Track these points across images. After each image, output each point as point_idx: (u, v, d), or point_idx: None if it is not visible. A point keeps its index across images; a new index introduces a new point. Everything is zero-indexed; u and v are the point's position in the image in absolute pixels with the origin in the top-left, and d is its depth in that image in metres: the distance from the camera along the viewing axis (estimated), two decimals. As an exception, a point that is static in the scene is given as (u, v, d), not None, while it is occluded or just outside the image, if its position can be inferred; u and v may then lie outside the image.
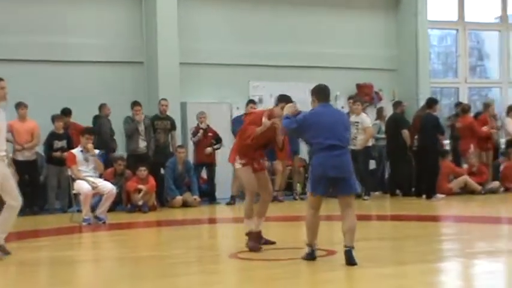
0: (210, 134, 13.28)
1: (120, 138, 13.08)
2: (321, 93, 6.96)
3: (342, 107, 15.24)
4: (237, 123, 13.20)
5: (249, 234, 7.55)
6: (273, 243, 7.68)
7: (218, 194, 13.33)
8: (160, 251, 7.94)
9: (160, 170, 12.80)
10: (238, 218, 11.32)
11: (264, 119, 7.35)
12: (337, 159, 6.47)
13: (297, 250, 7.51)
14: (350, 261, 6.36)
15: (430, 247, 7.38)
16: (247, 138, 7.39)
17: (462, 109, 14.40)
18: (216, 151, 13.28)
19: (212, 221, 11.64)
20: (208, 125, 13.29)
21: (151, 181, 12.10)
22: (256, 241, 7.47)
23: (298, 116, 6.76)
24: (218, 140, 13.31)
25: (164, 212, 12.08)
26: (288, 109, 6.88)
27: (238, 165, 7.56)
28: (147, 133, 12.62)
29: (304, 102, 13.86)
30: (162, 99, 13.02)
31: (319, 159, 6.51)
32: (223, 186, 13.39)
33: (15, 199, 7.13)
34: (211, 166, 13.29)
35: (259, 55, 14.73)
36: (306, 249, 6.67)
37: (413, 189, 13.44)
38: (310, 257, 6.64)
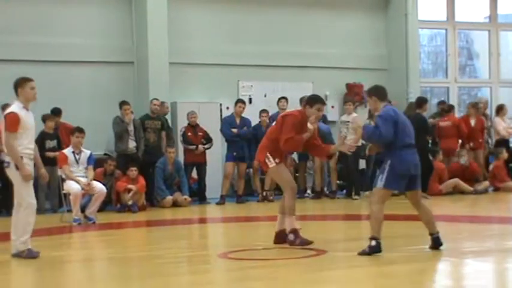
0: (200, 133, 13.26)
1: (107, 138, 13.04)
2: (383, 93, 7.20)
3: (332, 107, 15.29)
4: (226, 124, 13.23)
5: (293, 231, 7.43)
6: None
7: (208, 194, 13.32)
8: (150, 251, 7.92)
9: (150, 170, 12.77)
10: (228, 218, 11.33)
11: (310, 125, 7.49)
12: (416, 157, 6.94)
13: (288, 250, 7.51)
14: (440, 243, 6.98)
15: (420, 247, 7.39)
16: (286, 140, 7.37)
17: (442, 109, 14.45)
18: (206, 151, 13.27)
19: (202, 220, 11.63)
20: (198, 125, 13.28)
21: (141, 181, 12.07)
22: (301, 236, 7.40)
23: (382, 117, 6.87)
24: (208, 139, 13.30)
25: (154, 212, 12.05)
26: (356, 121, 7.49)
27: (272, 164, 7.49)
28: (137, 133, 12.59)
29: (294, 101, 13.97)
30: (154, 99, 12.99)
31: (403, 157, 6.83)
32: (214, 186, 13.38)
33: (33, 198, 7.21)
34: (201, 166, 13.27)
35: (249, 55, 14.72)
36: (372, 243, 6.79)
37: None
38: (377, 249, 6.80)
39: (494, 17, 17.63)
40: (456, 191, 13.52)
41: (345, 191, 13.67)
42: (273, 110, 13.63)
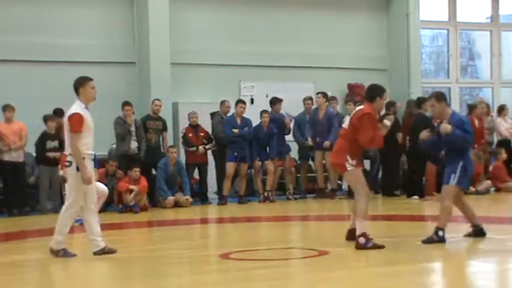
0: (201, 134, 13.27)
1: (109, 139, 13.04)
2: (446, 98, 7.78)
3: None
4: (227, 124, 13.22)
5: (364, 235, 7.22)
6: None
7: (210, 194, 13.32)
8: (151, 251, 7.92)
9: (151, 170, 12.78)
10: (230, 218, 11.34)
11: (386, 121, 7.60)
12: None
13: (290, 250, 7.52)
14: (484, 233, 7.74)
15: (422, 247, 7.39)
16: (371, 139, 7.33)
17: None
18: (208, 151, 13.28)
19: (204, 221, 11.63)
20: (199, 125, 13.29)
21: (143, 181, 12.08)
22: (371, 240, 7.23)
23: (466, 123, 7.67)
24: (209, 140, 13.31)
25: (156, 212, 12.06)
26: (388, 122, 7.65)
27: (350, 167, 7.36)
28: (139, 133, 12.60)
29: (295, 102, 13.99)
30: (156, 99, 13.00)
31: (470, 160, 7.77)
32: (215, 187, 13.39)
33: (94, 202, 7.30)
34: (203, 166, 13.28)
35: (251, 55, 14.73)
36: (440, 233, 7.41)
37: (397, 191, 13.47)
38: (443, 239, 7.41)
39: (496, 17, 17.63)
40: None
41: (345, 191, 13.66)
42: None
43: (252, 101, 14.62)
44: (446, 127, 7.58)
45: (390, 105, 13.79)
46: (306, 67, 15.21)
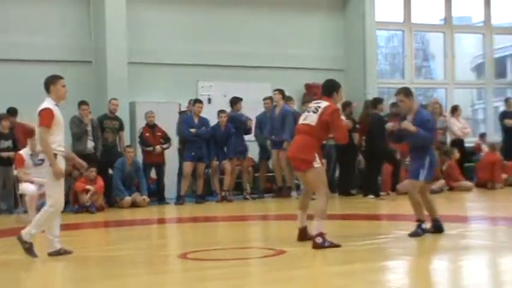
0: (158, 133, 13.23)
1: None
2: (413, 93, 8.13)
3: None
4: (185, 123, 13.21)
5: (321, 235, 7.20)
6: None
7: (167, 194, 13.28)
8: (108, 251, 7.86)
9: (108, 170, 12.69)
10: (187, 218, 11.32)
11: (343, 116, 7.93)
12: None
13: (247, 250, 7.55)
14: (442, 229, 8.02)
15: (377, 246, 7.49)
16: (345, 135, 7.61)
17: (392, 112, 14.62)
18: (165, 150, 13.24)
19: (161, 221, 11.58)
20: (156, 125, 13.24)
21: (100, 181, 11.99)
22: (327, 239, 7.24)
23: (430, 122, 7.98)
24: (167, 139, 13.27)
25: (112, 212, 11.98)
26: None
27: (317, 164, 7.36)
28: (95, 133, 12.49)
29: (254, 102, 14.03)
30: (113, 98, 12.91)
31: (434, 155, 8.15)
32: (172, 186, 13.35)
33: (63, 198, 7.26)
34: (160, 166, 13.23)
35: (208, 55, 14.72)
36: (423, 225, 7.87)
37: (353, 190, 13.63)
38: (428, 230, 7.90)
39: (449, 19, 17.92)
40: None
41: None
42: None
43: (209, 101, 14.61)
44: (408, 125, 7.83)
45: (346, 105, 13.92)
46: (264, 67, 15.26)
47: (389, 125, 8.39)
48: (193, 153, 13.03)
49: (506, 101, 16.76)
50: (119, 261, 7.10)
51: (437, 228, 8.04)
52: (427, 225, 8.01)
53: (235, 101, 13.61)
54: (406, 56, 17.43)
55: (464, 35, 19.44)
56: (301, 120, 7.69)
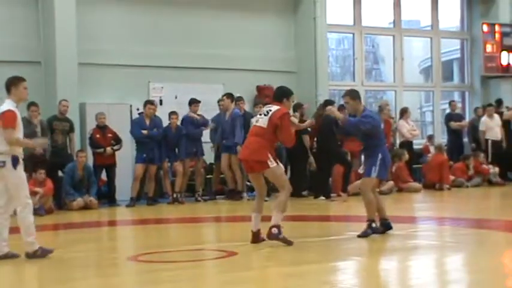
0: (109, 135, 13.11)
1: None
2: (359, 96, 8.30)
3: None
4: (136, 125, 13.11)
5: (277, 226, 7.45)
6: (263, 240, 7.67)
7: (118, 196, 13.17)
8: (57, 254, 7.75)
9: (58, 172, 12.52)
10: (138, 220, 11.24)
11: (293, 118, 8.08)
12: None
13: (199, 252, 7.54)
14: (390, 227, 8.19)
15: (329, 246, 7.57)
16: (292, 137, 7.77)
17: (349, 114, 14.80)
18: (116, 152, 13.13)
19: (112, 223, 11.49)
20: (107, 126, 13.12)
21: (49, 184, 11.81)
22: (281, 232, 7.47)
23: (367, 116, 8.07)
24: (118, 140, 13.16)
25: (62, 215, 11.82)
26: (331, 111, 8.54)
27: (273, 164, 7.55)
28: (44, 135, 12.30)
29: (204, 104, 14.00)
30: (63, 100, 12.74)
31: (387, 152, 8.35)
32: (123, 188, 13.24)
33: (29, 198, 7.33)
34: (111, 167, 13.11)
35: (160, 56, 14.64)
36: (373, 224, 7.97)
37: (304, 192, 13.73)
38: (377, 230, 8.00)
39: (398, 22, 18.20)
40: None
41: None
42: (184, 111, 13.63)
43: (160, 102, 14.53)
44: (333, 111, 8.56)
45: (298, 107, 14.00)
46: (215, 68, 15.24)
47: (329, 108, 8.94)
48: (144, 155, 12.96)
49: (450, 103, 17.14)
50: (68, 264, 7.02)
51: (386, 226, 8.19)
52: (377, 224, 8.11)
53: (191, 102, 13.53)
54: (356, 58, 17.62)
55: (413, 38, 19.78)
56: (253, 123, 7.91)
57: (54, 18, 13.31)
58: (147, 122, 13.09)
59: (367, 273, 6.48)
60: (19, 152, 7.15)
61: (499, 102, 16.95)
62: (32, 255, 7.10)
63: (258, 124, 7.69)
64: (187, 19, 15.14)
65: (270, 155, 7.54)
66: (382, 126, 9.20)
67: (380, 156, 8.05)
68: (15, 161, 7.05)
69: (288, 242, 7.42)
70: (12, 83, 7.24)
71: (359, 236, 7.91)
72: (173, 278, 6.18)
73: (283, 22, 16.33)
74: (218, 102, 13.81)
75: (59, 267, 6.85)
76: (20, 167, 7.13)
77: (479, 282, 5.84)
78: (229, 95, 13.54)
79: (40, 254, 7.12)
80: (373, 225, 8.02)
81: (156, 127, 13.11)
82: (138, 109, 13.85)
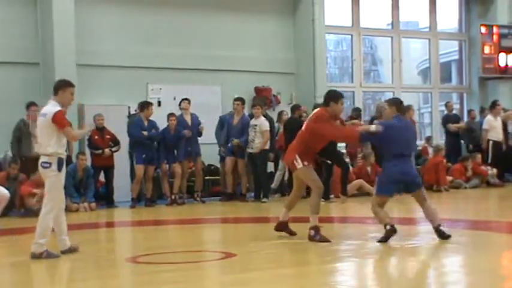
0: (107, 136, 13.10)
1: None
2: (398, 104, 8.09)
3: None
4: (137, 126, 13.08)
5: (315, 228, 7.85)
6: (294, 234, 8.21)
7: (116, 197, 13.16)
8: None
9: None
10: (137, 222, 11.23)
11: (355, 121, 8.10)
12: (405, 165, 7.83)
13: (198, 254, 7.53)
14: (443, 235, 7.71)
15: (328, 248, 7.57)
16: (330, 134, 7.99)
17: (351, 117, 14.86)
18: (114, 153, 13.12)
19: (110, 224, 11.47)
20: (105, 128, 13.11)
21: (47, 185, 11.77)
22: (321, 233, 7.86)
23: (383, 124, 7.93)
24: (116, 142, 13.15)
25: (60, 216, 11.77)
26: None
27: (299, 165, 7.89)
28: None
29: (202, 105, 14.00)
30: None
31: (388, 167, 7.83)
32: (121, 189, 13.24)
33: (63, 202, 7.65)
34: (109, 169, 13.10)
35: (158, 58, 14.65)
36: (387, 226, 7.65)
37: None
38: (394, 230, 7.68)
39: (397, 24, 18.21)
40: (361, 193, 13.87)
41: (253, 194, 13.79)
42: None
43: (159, 104, 14.53)
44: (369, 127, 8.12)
45: (296, 108, 14.01)
46: (214, 70, 15.25)
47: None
48: (144, 156, 12.97)
49: (446, 104, 17.15)
50: (67, 265, 7.01)
51: (440, 235, 7.83)
52: (393, 225, 7.84)
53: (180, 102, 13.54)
54: (355, 60, 17.63)
55: (411, 40, 19.80)
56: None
57: (53, 19, 13.30)
58: (146, 123, 13.09)
59: (365, 274, 6.48)
60: (64, 154, 7.33)
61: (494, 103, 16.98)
62: (37, 257, 7.14)
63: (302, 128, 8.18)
64: (185, 20, 15.14)
65: (298, 156, 7.87)
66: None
67: (383, 171, 7.98)
68: (60, 164, 7.24)
69: (325, 241, 7.72)
70: (61, 87, 7.42)
71: (379, 241, 7.68)
72: (171, 280, 6.18)
73: (281, 23, 16.33)
74: (235, 101, 13.68)
75: (58, 269, 6.84)
76: (63, 169, 7.32)
77: (478, 283, 5.84)
78: (241, 99, 13.56)
79: (45, 256, 7.17)
80: (388, 227, 7.70)
81: (153, 128, 13.12)
82: (136, 110, 13.84)
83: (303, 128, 8.09)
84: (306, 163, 7.91)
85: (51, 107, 7.25)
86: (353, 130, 8.54)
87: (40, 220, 7.27)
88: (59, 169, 7.22)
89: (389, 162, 7.79)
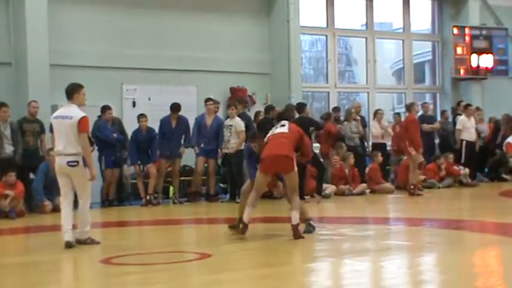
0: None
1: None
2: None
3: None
4: (105, 129, 12.99)
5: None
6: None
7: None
8: (28, 258, 7.68)
9: (29, 174, 12.38)
10: (110, 223, 11.16)
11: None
12: None
13: (173, 254, 7.51)
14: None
15: (302, 248, 7.58)
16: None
17: (321, 117, 14.98)
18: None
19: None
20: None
21: (20, 186, 11.68)
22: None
23: None
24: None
25: (33, 218, 11.67)
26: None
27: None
28: (14, 137, 12.16)
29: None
30: (33, 101, 12.60)
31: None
32: (95, 190, 13.13)
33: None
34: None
35: (133, 58, 14.56)
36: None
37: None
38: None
39: (371, 24, 18.31)
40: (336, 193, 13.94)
41: (228, 195, 13.77)
42: (157, 113, 13.58)
43: (134, 104, 14.46)
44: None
45: (270, 109, 14.03)
46: (189, 70, 15.20)
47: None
48: (113, 158, 12.96)
49: (423, 105, 17.27)
50: (39, 268, 6.94)
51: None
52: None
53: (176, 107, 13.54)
54: (329, 60, 17.69)
55: (385, 40, 19.92)
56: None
57: (25, 18, 13.16)
58: (109, 125, 13.09)
59: (340, 274, 6.51)
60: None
61: (460, 103, 17.25)
62: (83, 242, 7.96)
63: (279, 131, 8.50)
64: (160, 21, 15.08)
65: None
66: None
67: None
68: (83, 161, 7.89)
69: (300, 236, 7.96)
70: (75, 90, 8.25)
71: (304, 233, 8.14)
72: (145, 281, 6.15)
73: (256, 24, 16.34)
74: (207, 102, 13.68)
75: (28, 272, 6.77)
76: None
77: (451, 282, 5.89)
78: (213, 100, 13.63)
79: (89, 242, 7.96)
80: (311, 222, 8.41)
81: (115, 131, 13.12)
82: (115, 111, 13.77)
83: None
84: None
85: (78, 110, 8.10)
86: None
87: (80, 211, 8.01)
88: (84, 165, 7.87)
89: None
